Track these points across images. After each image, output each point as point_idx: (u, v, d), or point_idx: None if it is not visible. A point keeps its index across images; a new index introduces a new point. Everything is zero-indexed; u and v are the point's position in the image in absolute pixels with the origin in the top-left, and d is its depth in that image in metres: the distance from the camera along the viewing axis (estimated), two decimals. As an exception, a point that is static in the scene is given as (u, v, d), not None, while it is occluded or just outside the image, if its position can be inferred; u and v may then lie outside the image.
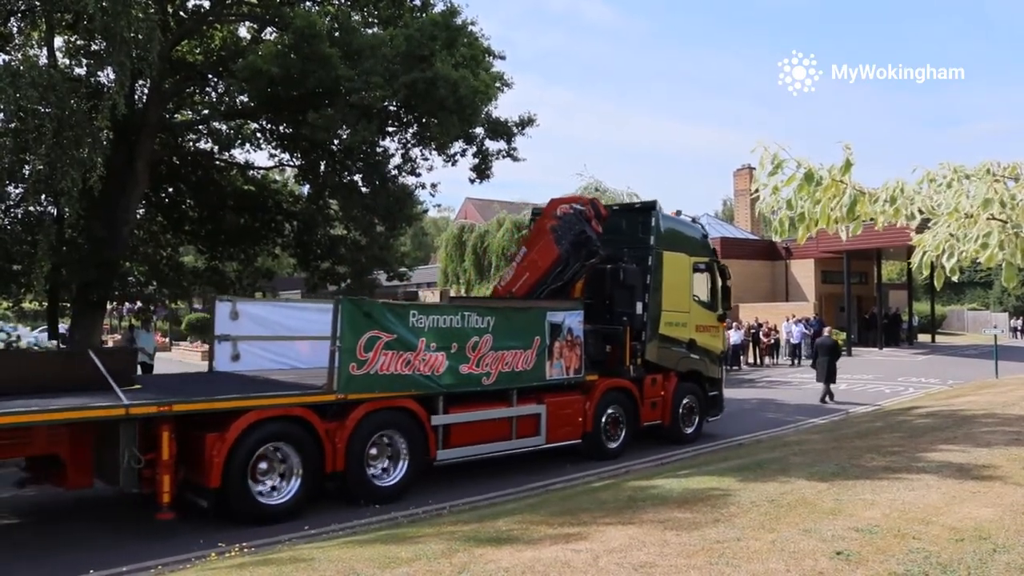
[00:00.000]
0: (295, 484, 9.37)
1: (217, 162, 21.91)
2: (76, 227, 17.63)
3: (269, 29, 18.68)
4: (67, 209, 14.89)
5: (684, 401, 14.18)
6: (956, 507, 7.25)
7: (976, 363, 28.24)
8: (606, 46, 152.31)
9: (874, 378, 24.32)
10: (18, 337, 9.46)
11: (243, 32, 20.46)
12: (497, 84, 18.54)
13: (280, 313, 12.77)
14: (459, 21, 17.54)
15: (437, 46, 16.07)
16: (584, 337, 12.29)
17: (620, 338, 13.04)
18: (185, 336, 45.55)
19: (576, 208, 13.37)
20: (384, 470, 10.22)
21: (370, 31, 17.54)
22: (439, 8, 18.08)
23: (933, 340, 41.25)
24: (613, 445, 12.86)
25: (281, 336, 12.32)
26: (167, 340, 43.14)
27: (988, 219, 3.33)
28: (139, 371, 20.54)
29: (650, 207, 14.08)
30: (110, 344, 36.53)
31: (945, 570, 5.47)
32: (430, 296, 50.93)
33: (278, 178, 24.30)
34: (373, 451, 10.11)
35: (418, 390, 10.39)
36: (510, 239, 35.03)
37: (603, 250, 13.09)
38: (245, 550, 7.92)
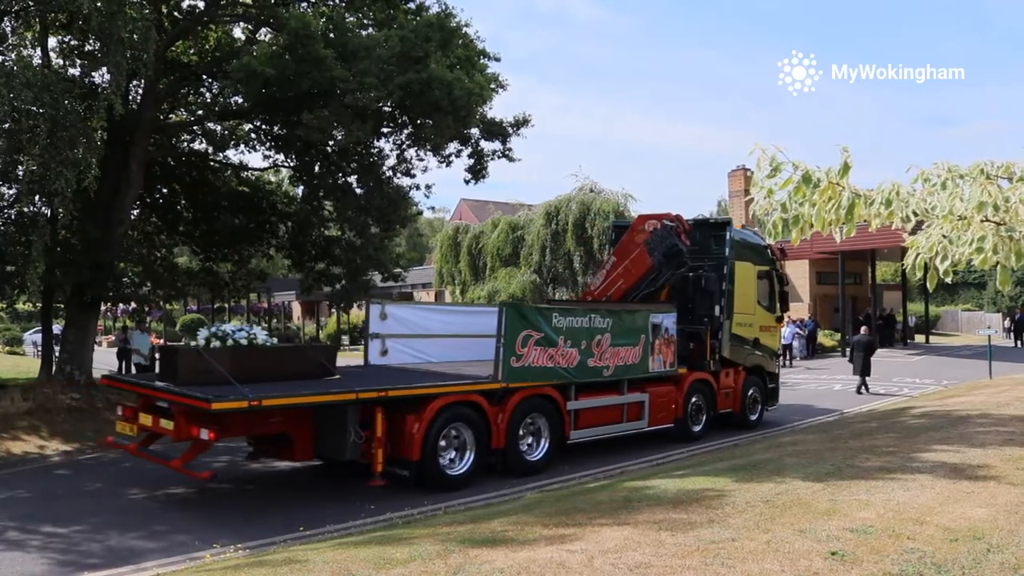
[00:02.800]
0: (470, 458, 11.07)
1: (211, 163, 21.89)
2: (70, 228, 17.61)
3: (264, 30, 18.68)
4: (61, 210, 14.87)
5: (750, 392, 16.07)
6: (950, 507, 7.26)
7: (970, 363, 28.31)
8: (599, 46, 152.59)
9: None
10: (255, 335, 11.03)
11: (238, 33, 20.46)
12: (492, 86, 18.55)
13: (417, 315, 14.44)
14: (454, 23, 17.54)
15: (432, 47, 16.07)
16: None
17: (702, 337, 14.90)
18: (180, 337, 45.44)
19: (667, 224, 14.99)
20: (530, 447, 11.98)
21: (365, 32, 17.53)
22: (434, 10, 18.09)
23: (927, 341, 41.32)
24: (697, 428, 14.71)
25: (435, 335, 14.12)
26: (161, 341, 43.03)
27: (982, 222, 3.33)
28: (133, 371, 20.63)
29: (725, 223, 15.93)
30: (104, 345, 36.50)
31: (940, 570, 5.48)
32: (425, 297, 50.88)
33: (272, 179, 24.29)
34: (521, 431, 11.80)
35: (558, 380, 12.19)
36: (505, 240, 35.02)
37: (690, 260, 14.99)
38: (239, 551, 7.92)
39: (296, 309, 54.98)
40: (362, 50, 15.80)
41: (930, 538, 6.24)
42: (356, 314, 46.90)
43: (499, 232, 35.51)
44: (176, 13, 18.92)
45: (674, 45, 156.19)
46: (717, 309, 15.01)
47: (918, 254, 3.48)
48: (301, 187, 22.27)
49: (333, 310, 45.55)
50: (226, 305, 48.27)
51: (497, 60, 19.58)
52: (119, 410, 11.32)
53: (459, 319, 15.06)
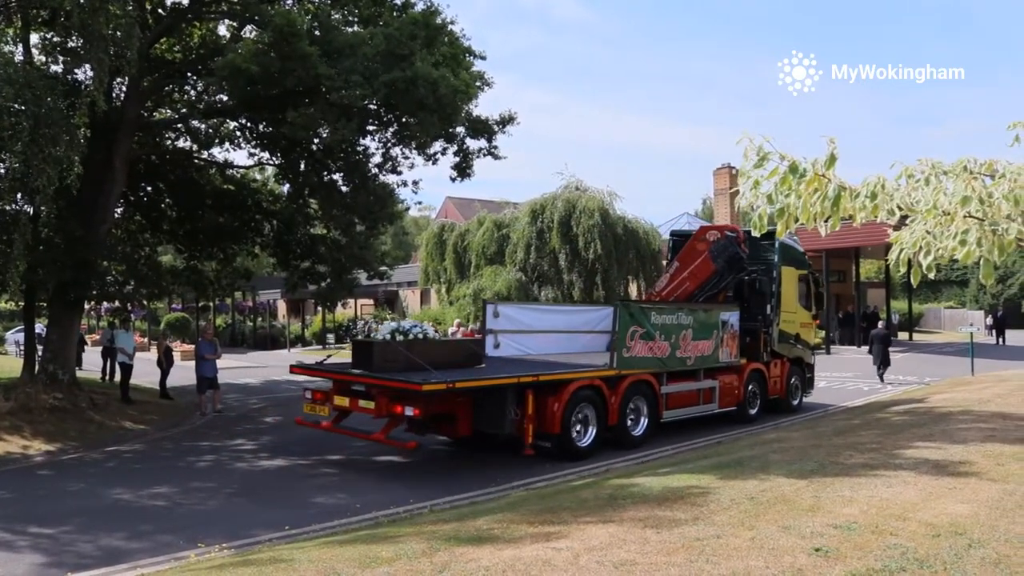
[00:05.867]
0: (592, 432, 12.93)
1: (196, 161, 21.78)
2: (52, 226, 17.47)
3: (249, 27, 18.56)
4: (43, 208, 14.75)
5: (793, 380, 18.04)
6: (932, 503, 7.31)
7: (953, 361, 28.50)
8: (584, 44, 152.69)
9: (853, 376, 24.48)
10: (425, 330, 12.95)
11: (222, 30, 20.34)
12: (477, 83, 18.51)
13: (524, 314, 16.40)
14: (439, 20, 17.50)
15: (417, 45, 16.02)
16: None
17: (757, 332, 16.86)
18: (167, 335, 45.08)
19: (728, 234, 17.00)
20: (632, 423, 13.80)
21: (350, 30, 17.47)
22: (419, 7, 18.04)
23: (911, 338, 41.56)
24: (753, 412, 16.66)
25: (541, 330, 16.14)
26: (145, 340, 42.80)
27: (966, 217, 3.36)
28: (118, 372, 20.52)
29: (773, 233, 16.45)
30: (89, 343, 36.23)
31: (922, 565, 5.51)
32: (411, 296, 50.81)
33: (258, 177, 24.20)
34: (628, 410, 13.69)
35: (655, 368, 14.17)
36: (490, 238, 34.98)
37: (748, 266, 17.00)
38: (224, 550, 7.88)
39: (281, 307, 54.75)
40: (347, 48, 15.74)
41: (913, 534, 6.28)
42: (341, 312, 46.88)
43: (484, 230, 35.48)
44: (160, 10, 18.79)
45: (666, 45, 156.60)
46: (769, 308, 17.00)
47: (902, 250, 3.49)
48: (286, 185, 22.20)
49: (318, 308, 45.41)
50: (211, 304, 48.03)
51: (483, 58, 19.57)
52: (307, 394, 13.00)
53: (561, 317, 17.62)
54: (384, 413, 11.57)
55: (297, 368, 14.11)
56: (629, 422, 13.73)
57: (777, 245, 17.20)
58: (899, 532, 6.33)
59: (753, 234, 3.99)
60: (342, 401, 12.31)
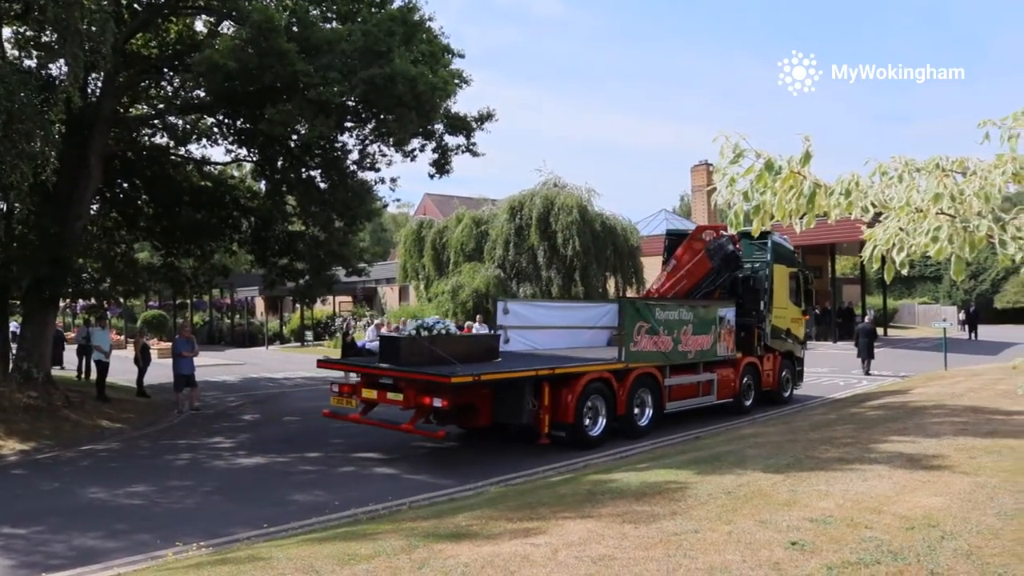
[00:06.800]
0: (602, 423, 13.56)
1: (173, 157, 21.61)
2: (27, 222, 17.28)
3: (226, 23, 18.44)
4: (17, 204, 14.57)
5: (783, 373, 18.77)
6: (906, 496, 7.40)
7: (926, 355, 28.76)
8: (564, 42, 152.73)
9: (829, 371, 24.69)
10: (448, 326, 13.76)
11: (199, 26, 20.18)
12: (456, 81, 18.51)
13: (532, 310, 17.25)
14: (417, 17, 17.47)
15: (395, 42, 15.98)
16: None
17: (751, 327, 17.52)
18: (143, 332, 44.71)
19: (724, 233, 17.54)
20: (638, 414, 14.44)
21: (328, 26, 17.40)
22: (396, 4, 17.99)
23: (885, 333, 41.86)
24: (747, 403, 17.38)
25: (547, 326, 16.89)
26: (122, 338, 42.43)
27: (938, 214, 3.40)
28: (94, 369, 20.35)
29: (767, 233, 18.07)
30: (66, 341, 35.84)
31: (896, 557, 5.58)
32: (390, 292, 50.68)
33: (235, 173, 24.04)
34: (635, 402, 14.32)
35: (659, 362, 14.75)
36: (468, 234, 34.95)
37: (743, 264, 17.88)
38: (202, 549, 7.85)
39: (259, 304, 54.47)
40: (325, 44, 15.68)
41: (887, 527, 6.35)
42: (319, 309, 46.68)
43: (463, 227, 35.44)
44: (136, 5, 18.60)
45: (652, 43, 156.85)
46: (762, 304, 17.68)
47: (876, 246, 3.52)
48: (264, 182, 22.08)
49: (297, 305, 45.21)
50: (188, 301, 47.70)
51: (461, 56, 19.58)
52: (334, 388, 13.49)
53: (568, 313, 18.56)
54: (412, 404, 12.07)
55: (325, 363, 14.64)
56: (636, 412, 14.32)
57: (769, 244, 17.89)
58: (874, 525, 6.40)
59: (730, 231, 4.03)
60: (370, 394, 12.79)
